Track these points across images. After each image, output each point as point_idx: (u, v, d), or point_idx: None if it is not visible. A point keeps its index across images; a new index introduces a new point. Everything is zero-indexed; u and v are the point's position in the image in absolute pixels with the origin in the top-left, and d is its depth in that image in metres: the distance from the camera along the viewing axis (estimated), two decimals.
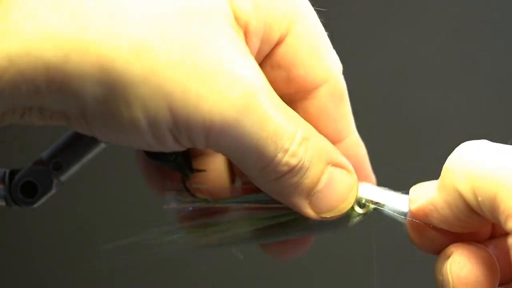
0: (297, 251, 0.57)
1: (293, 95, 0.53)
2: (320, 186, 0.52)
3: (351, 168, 0.53)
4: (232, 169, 0.57)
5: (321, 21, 0.52)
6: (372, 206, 0.54)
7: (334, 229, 0.54)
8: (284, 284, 1.32)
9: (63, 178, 0.55)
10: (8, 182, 0.54)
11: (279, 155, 0.49)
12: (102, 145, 0.55)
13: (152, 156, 0.54)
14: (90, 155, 0.55)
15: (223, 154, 0.50)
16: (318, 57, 0.52)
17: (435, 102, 1.27)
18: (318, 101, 0.53)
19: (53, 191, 0.54)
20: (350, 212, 0.54)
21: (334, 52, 0.53)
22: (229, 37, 0.48)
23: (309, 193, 0.52)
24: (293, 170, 0.50)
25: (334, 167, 0.52)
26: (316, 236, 0.55)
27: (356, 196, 0.54)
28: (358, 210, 0.54)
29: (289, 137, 0.50)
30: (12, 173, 0.54)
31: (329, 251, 1.20)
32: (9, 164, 0.56)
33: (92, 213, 1.37)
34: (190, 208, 0.56)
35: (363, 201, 0.54)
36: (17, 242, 1.39)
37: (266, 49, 0.51)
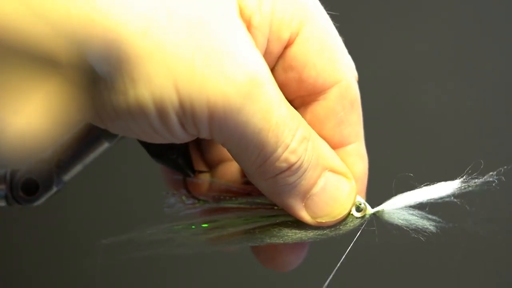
0: (290, 259, 0.57)
1: (305, 98, 0.53)
2: (316, 189, 0.52)
3: (349, 174, 0.54)
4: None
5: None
6: (370, 211, 0.54)
7: (330, 231, 0.54)
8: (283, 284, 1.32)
9: (66, 177, 0.55)
10: (9, 181, 0.54)
11: (279, 150, 0.50)
12: (106, 145, 0.55)
13: (155, 155, 0.55)
14: (92, 155, 0.55)
15: (225, 146, 0.50)
16: (330, 58, 0.52)
17: (435, 103, 1.27)
18: (327, 102, 0.53)
19: (54, 189, 0.54)
20: (347, 216, 0.54)
21: (349, 57, 0.53)
22: (237, 24, 0.48)
23: (305, 195, 0.52)
24: (292, 168, 0.51)
25: (331, 173, 0.53)
26: (312, 239, 0.55)
27: (354, 203, 0.54)
28: (356, 214, 0.54)
29: (290, 133, 0.50)
30: (13, 173, 0.55)
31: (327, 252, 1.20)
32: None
33: (91, 213, 1.37)
34: (190, 209, 0.56)
35: (362, 205, 0.54)
36: (16, 242, 1.39)
37: (278, 49, 0.52)
